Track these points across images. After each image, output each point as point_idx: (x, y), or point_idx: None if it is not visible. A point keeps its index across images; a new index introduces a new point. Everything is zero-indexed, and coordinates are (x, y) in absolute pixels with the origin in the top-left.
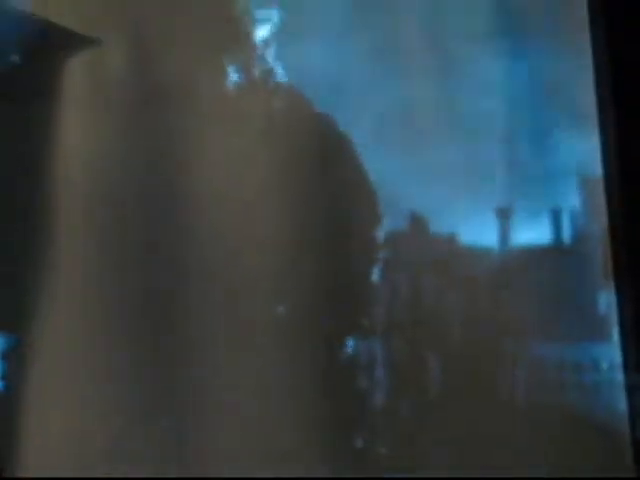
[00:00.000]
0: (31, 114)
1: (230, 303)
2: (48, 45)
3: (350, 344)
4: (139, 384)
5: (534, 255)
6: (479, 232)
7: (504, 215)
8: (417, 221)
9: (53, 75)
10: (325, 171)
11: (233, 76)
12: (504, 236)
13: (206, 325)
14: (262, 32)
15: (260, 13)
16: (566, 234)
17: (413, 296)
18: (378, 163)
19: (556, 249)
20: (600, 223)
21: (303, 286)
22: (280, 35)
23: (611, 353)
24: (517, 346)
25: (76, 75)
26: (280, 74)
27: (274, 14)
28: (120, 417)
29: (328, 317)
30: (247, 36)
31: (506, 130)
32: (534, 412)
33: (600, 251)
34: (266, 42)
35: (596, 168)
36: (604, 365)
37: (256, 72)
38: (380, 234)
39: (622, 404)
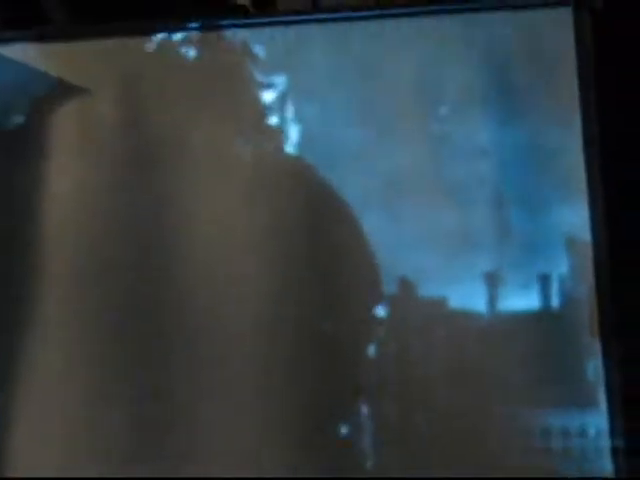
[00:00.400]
0: (19, 164)
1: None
2: (39, 94)
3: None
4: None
5: (522, 320)
6: (468, 297)
7: (493, 280)
8: (406, 285)
9: (42, 125)
10: (322, 233)
11: (227, 135)
12: (492, 301)
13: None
14: (266, 96)
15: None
16: (554, 299)
17: (401, 357)
18: (368, 227)
19: (544, 314)
20: (588, 287)
21: (288, 353)
22: (278, 99)
23: (598, 419)
24: (504, 411)
25: (66, 126)
26: (276, 137)
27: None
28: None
29: (314, 378)
30: (247, 98)
31: (497, 196)
32: (520, 475)
33: (588, 315)
34: (266, 106)
35: (585, 234)
36: (591, 431)
37: (252, 133)
38: (376, 301)
39: (608, 469)
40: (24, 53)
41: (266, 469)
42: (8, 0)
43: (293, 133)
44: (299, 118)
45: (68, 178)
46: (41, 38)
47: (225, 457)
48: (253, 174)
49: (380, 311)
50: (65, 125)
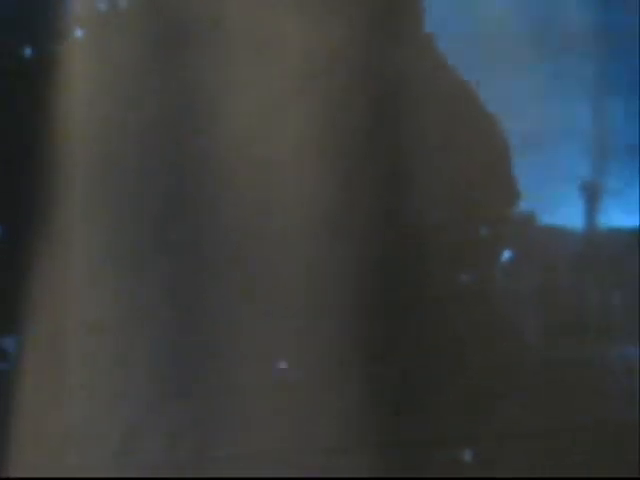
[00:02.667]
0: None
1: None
2: None
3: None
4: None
5: (622, 237)
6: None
7: (590, 191)
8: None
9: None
10: (386, 135)
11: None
12: (590, 215)
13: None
14: None
15: None
16: None
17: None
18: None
19: None
20: None
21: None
22: None
23: None
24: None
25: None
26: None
27: None
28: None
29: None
30: None
31: (595, 91)
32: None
33: None
34: None
35: None
36: None
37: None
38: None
39: None
40: None
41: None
42: None
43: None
44: None
45: (92, 61)
46: None
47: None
48: (303, 58)
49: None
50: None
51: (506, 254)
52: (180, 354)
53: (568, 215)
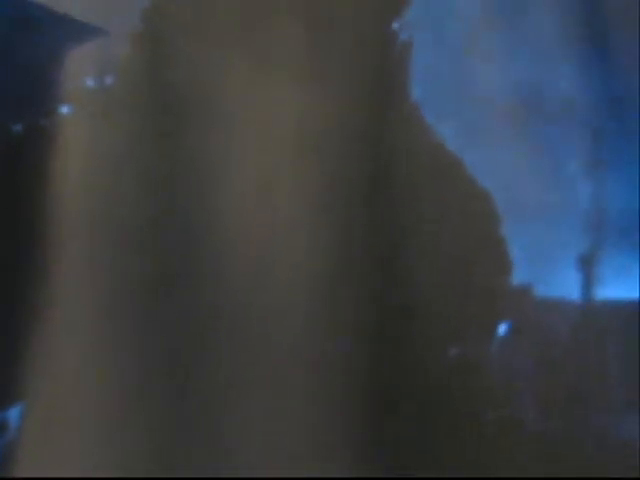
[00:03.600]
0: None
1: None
2: (53, 32)
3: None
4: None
5: (618, 308)
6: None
7: (588, 264)
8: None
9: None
10: (379, 193)
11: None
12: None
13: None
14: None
15: None
16: None
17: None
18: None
19: None
20: None
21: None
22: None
23: None
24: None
25: (83, 68)
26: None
27: None
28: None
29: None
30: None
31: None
32: None
33: None
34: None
35: None
36: None
37: (299, 78)
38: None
39: None
40: None
41: None
42: None
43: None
44: None
45: (89, 134)
46: None
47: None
48: (299, 126)
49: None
50: (82, 68)
51: (503, 326)
52: (173, 423)
53: (565, 287)
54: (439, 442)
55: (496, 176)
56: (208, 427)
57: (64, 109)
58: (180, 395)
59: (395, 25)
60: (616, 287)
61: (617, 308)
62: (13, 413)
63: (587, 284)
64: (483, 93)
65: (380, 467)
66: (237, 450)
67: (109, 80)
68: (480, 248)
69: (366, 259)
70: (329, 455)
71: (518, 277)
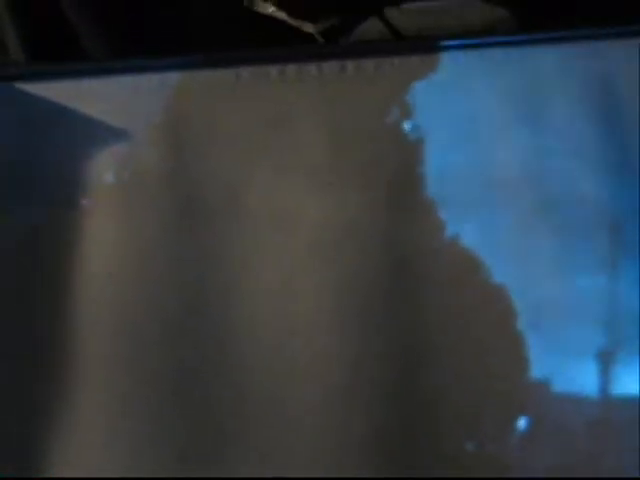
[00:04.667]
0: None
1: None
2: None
3: None
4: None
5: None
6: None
7: (605, 358)
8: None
9: (80, 172)
10: (403, 300)
11: (288, 187)
12: (605, 383)
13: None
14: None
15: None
16: None
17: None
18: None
19: None
20: None
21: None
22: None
23: None
24: None
25: (108, 174)
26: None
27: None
28: None
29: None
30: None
31: (609, 262)
32: None
33: None
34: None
35: None
36: None
37: (317, 185)
38: None
39: None
40: (53, 90)
41: None
42: None
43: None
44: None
45: (110, 232)
46: (75, 73)
47: None
48: (318, 233)
49: None
50: (104, 171)
51: (521, 421)
52: None
53: (583, 383)
54: None
55: (514, 270)
56: None
57: (86, 202)
58: None
59: (408, 125)
60: (634, 384)
61: (635, 404)
62: None
63: (605, 380)
64: (500, 189)
65: None
66: None
67: (127, 176)
68: (497, 343)
69: (386, 356)
70: None
71: (536, 372)
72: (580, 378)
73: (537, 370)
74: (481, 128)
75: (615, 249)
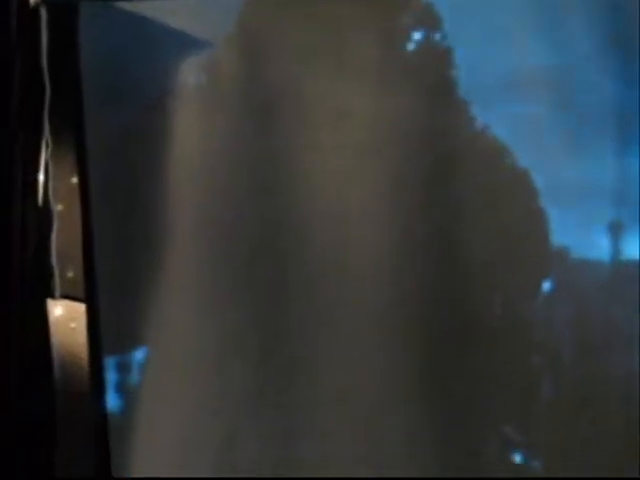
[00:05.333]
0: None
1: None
2: (163, 47)
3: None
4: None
5: None
6: (591, 246)
7: (616, 229)
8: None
9: (166, 78)
10: (446, 193)
11: (346, 87)
12: (616, 250)
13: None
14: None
15: None
16: None
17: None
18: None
19: None
20: None
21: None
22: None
23: None
24: (627, 361)
25: (189, 79)
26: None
27: None
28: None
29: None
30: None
31: (618, 143)
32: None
33: None
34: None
35: None
36: None
37: (373, 85)
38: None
39: None
40: (141, 6)
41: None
42: None
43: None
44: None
45: (195, 127)
46: None
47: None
48: (370, 126)
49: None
50: (186, 76)
51: (545, 285)
52: (270, 371)
53: (597, 251)
54: (490, 386)
55: (537, 155)
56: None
57: (171, 104)
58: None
59: (439, 34)
60: None
61: None
62: (136, 356)
63: (617, 248)
64: (522, 87)
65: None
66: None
67: (206, 81)
68: (524, 218)
69: (427, 236)
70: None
71: (557, 242)
72: (595, 247)
73: (557, 241)
74: (504, 34)
75: (624, 136)
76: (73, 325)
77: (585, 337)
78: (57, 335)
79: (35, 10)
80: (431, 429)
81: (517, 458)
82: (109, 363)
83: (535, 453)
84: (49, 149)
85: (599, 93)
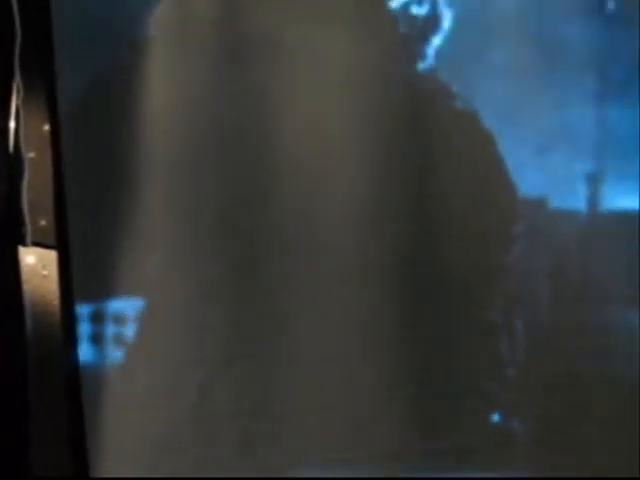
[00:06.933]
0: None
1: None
2: None
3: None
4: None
5: (624, 220)
6: (569, 196)
7: (594, 179)
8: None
9: (139, 22)
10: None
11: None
12: (594, 200)
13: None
14: None
15: None
16: None
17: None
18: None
19: None
20: None
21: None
22: None
23: None
24: (602, 311)
25: (163, 23)
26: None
27: None
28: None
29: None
30: None
31: (597, 95)
32: (614, 383)
33: None
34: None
35: None
36: None
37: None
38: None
39: None
40: None
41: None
42: None
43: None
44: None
45: (169, 71)
46: None
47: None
48: (347, 70)
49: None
50: (165, 21)
51: (519, 229)
52: (248, 321)
53: (575, 201)
54: (471, 334)
55: (517, 105)
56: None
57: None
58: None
59: None
60: (619, 201)
61: (619, 219)
62: (109, 305)
63: (594, 198)
64: (501, 36)
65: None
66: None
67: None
68: (497, 170)
69: (402, 181)
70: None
71: (534, 191)
72: (573, 197)
73: (535, 190)
74: None
75: (603, 85)
76: (45, 272)
77: (561, 287)
78: (29, 283)
79: None
80: (410, 378)
81: (495, 417)
82: (81, 313)
83: (512, 410)
84: (20, 95)
85: (578, 42)
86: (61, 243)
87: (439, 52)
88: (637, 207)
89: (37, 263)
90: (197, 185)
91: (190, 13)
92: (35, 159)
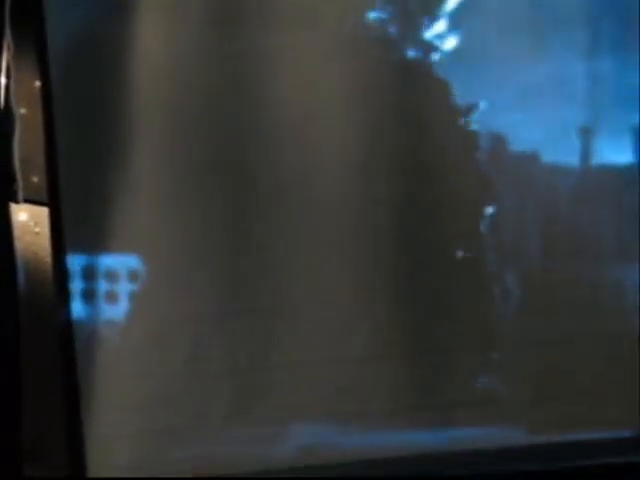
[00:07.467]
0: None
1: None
2: None
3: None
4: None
5: (615, 174)
6: (561, 151)
7: (586, 134)
8: (499, 141)
9: None
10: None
11: None
12: (586, 155)
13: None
14: None
15: None
16: None
17: (495, 214)
18: (459, 84)
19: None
20: None
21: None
22: None
23: None
24: (595, 266)
25: None
26: None
27: None
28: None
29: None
30: None
31: (588, 47)
32: (612, 338)
33: None
34: None
35: None
36: None
37: None
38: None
39: None
40: None
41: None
42: None
43: None
44: None
45: (159, 30)
46: None
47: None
48: (337, 30)
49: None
50: None
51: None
52: (242, 276)
53: (567, 155)
54: (467, 287)
55: (506, 57)
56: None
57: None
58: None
59: None
60: (610, 155)
61: (612, 172)
62: (102, 261)
63: (586, 152)
64: None
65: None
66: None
67: None
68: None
69: (391, 140)
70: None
71: (525, 147)
72: (564, 151)
73: (525, 145)
74: None
75: (594, 39)
76: (37, 230)
77: (553, 242)
78: (21, 240)
79: None
80: (402, 332)
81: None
82: (74, 270)
83: (501, 371)
84: (10, 51)
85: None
86: (53, 200)
87: None
88: (629, 160)
89: (29, 220)
90: (191, 139)
91: None
92: (26, 115)
